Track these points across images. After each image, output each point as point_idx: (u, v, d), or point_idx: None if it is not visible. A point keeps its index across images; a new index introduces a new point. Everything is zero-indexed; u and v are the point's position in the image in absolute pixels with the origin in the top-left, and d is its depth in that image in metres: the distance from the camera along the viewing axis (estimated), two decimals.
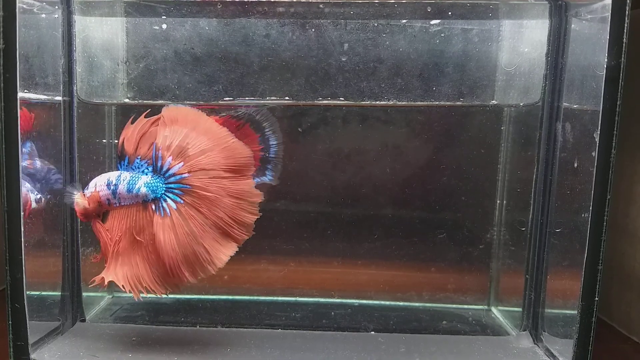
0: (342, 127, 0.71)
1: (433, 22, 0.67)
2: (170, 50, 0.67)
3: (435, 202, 0.72)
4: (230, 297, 0.74)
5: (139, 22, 0.67)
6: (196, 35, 0.67)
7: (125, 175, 0.54)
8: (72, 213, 0.63)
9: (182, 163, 0.52)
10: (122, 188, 0.54)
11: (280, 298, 0.74)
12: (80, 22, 0.63)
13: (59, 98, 0.61)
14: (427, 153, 0.72)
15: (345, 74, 0.67)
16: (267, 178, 0.59)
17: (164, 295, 0.55)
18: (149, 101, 0.68)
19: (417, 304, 0.74)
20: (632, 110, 0.69)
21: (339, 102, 0.68)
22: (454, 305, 0.74)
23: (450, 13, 0.65)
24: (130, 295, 0.73)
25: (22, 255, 0.54)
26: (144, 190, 0.53)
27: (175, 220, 0.52)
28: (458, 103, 0.69)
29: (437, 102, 0.69)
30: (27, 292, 0.54)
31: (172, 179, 0.52)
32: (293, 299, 0.74)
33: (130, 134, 0.54)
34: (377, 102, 0.68)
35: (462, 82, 0.68)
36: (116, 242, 0.54)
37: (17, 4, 0.51)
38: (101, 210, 0.56)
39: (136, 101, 0.69)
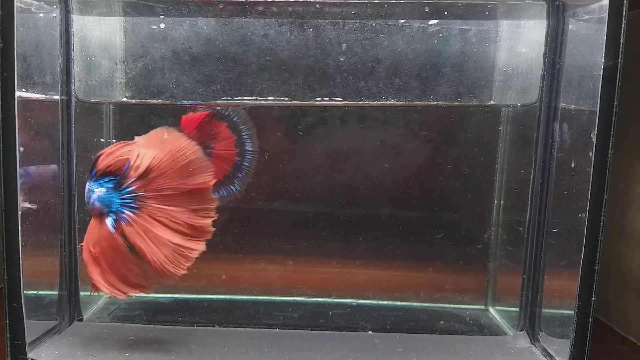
0: (339, 127, 0.71)
1: (431, 22, 0.67)
2: (169, 49, 0.67)
3: (433, 202, 0.72)
4: (228, 296, 0.74)
5: (137, 22, 0.67)
6: (194, 34, 0.67)
7: (86, 188, 0.56)
8: (69, 212, 0.63)
9: (140, 184, 0.55)
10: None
11: (278, 298, 0.74)
12: (78, 22, 0.63)
13: (57, 97, 0.61)
14: (425, 153, 0.72)
15: (343, 73, 0.67)
16: (235, 188, 0.63)
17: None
18: (147, 100, 0.68)
19: (414, 304, 0.74)
20: (630, 110, 0.69)
21: (336, 102, 0.68)
22: (452, 305, 0.74)
23: (448, 13, 0.65)
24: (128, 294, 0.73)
25: (19, 255, 0.54)
26: (97, 204, 0.55)
27: (140, 227, 0.54)
28: (456, 103, 0.69)
29: (435, 102, 0.69)
30: (25, 291, 0.54)
31: (127, 195, 0.55)
32: (291, 298, 0.74)
33: (111, 151, 0.56)
34: (375, 102, 0.68)
35: (460, 82, 0.68)
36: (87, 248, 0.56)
37: (15, 3, 0.52)
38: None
39: (134, 100, 0.69)
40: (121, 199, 0.55)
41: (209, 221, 0.57)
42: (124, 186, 0.55)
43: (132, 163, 0.54)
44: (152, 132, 0.57)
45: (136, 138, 0.57)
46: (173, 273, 0.55)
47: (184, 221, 0.55)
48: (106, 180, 0.55)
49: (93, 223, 0.56)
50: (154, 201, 0.55)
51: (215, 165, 0.59)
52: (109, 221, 0.55)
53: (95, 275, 0.55)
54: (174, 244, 0.55)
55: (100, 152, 0.56)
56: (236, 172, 0.64)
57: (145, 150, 0.55)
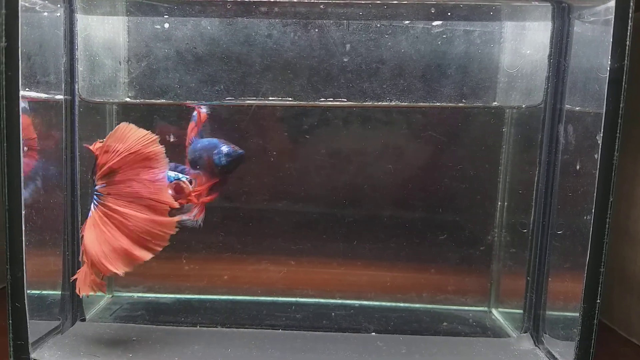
0: (343, 127, 0.71)
1: (435, 23, 0.67)
2: (172, 49, 0.67)
3: (437, 203, 0.72)
4: (230, 297, 0.74)
5: (141, 21, 0.67)
6: (198, 34, 0.67)
7: None
8: (72, 212, 0.63)
9: (105, 185, 0.55)
10: None
11: (280, 298, 0.74)
12: (82, 21, 0.63)
13: (61, 97, 0.61)
14: (429, 154, 0.72)
15: (347, 74, 0.67)
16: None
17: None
18: (150, 100, 0.68)
19: (417, 306, 0.74)
20: (635, 112, 0.69)
21: (341, 103, 0.68)
22: (455, 307, 0.74)
23: (452, 14, 0.65)
24: (131, 294, 0.73)
25: (23, 254, 0.54)
26: None
27: (92, 220, 0.56)
28: (460, 104, 0.69)
29: (439, 104, 0.69)
30: (28, 291, 0.54)
31: (95, 191, 0.56)
32: (294, 299, 0.73)
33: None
34: (379, 103, 0.68)
35: (464, 84, 0.68)
36: None
37: (20, 3, 0.51)
38: None
39: (137, 100, 0.69)
40: (93, 194, 0.56)
41: (161, 244, 0.56)
42: (95, 182, 0.56)
43: (98, 161, 0.55)
44: (134, 132, 0.56)
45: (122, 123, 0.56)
46: (107, 269, 0.55)
47: (138, 227, 0.55)
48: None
49: None
50: (112, 201, 0.55)
51: None
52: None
53: None
54: (118, 245, 0.55)
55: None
56: None
57: (114, 148, 0.55)
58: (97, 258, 0.54)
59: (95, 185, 0.56)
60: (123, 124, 0.56)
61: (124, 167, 0.55)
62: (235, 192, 0.72)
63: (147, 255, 0.55)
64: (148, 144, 0.55)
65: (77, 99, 0.63)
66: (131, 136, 0.55)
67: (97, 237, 0.55)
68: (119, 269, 0.55)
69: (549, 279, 0.62)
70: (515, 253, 0.69)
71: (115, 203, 0.55)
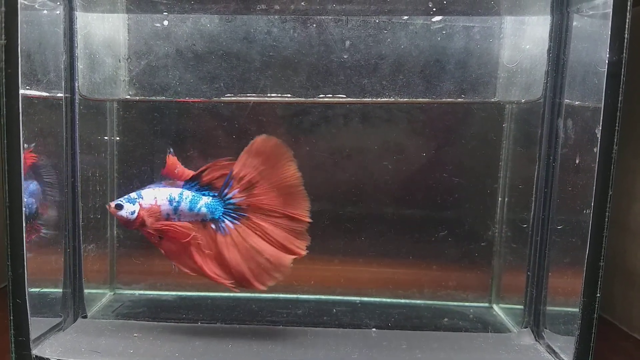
0: (343, 124, 0.71)
1: (435, 19, 0.67)
2: (172, 47, 0.67)
3: (437, 199, 0.72)
4: (231, 294, 0.74)
5: (141, 19, 0.68)
6: (197, 32, 0.67)
7: (187, 193, 0.58)
8: (73, 210, 0.63)
9: (244, 198, 0.57)
10: (184, 206, 0.57)
11: (281, 295, 0.74)
12: (82, 19, 0.63)
13: (61, 94, 0.61)
14: (429, 150, 0.72)
15: (346, 70, 0.67)
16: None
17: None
18: (150, 98, 0.68)
19: (418, 302, 0.74)
20: (637, 106, 0.69)
21: (340, 99, 0.68)
22: (456, 303, 0.74)
23: (451, 10, 0.65)
24: (132, 292, 0.74)
25: (23, 252, 0.54)
26: (203, 210, 0.57)
27: (235, 238, 0.57)
28: (460, 100, 0.69)
29: (439, 99, 0.69)
30: (29, 289, 0.55)
31: (230, 206, 0.57)
32: (294, 295, 0.74)
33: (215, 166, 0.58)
34: (379, 99, 0.68)
35: (463, 79, 0.68)
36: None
37: (19, 1, 0.52)
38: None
39: (137, 98, 0.69)
40: (224, 207, 0.57)
41: (303, 246, 0.58)
42: (228, 196, 0.57)
43: (234, 173, 0.56)
44: (265, 140, 0.57)
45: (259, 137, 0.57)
46: (254, 286, 0.57)
47: (277, 241, 0.57)
48: (206, 187, 0.58)
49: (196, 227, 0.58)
50: (253, 214, 0.57)
51: None
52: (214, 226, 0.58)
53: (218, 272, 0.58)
54: (260, 260, 0.57)
55: (205, 167, 0.58)
56: None
57: (251, 162, 0.57)
58: (246, 277, 0.56)
59: (229, 200, 0.57)
60: (259, 138, 0.57)
61: (261, 180, 0.56)
62: None
63: (290, 260, 0.57)
64: (283, 154, 0.57)
65: (77, 97, 0.63)
66: (266, 149, 0.57)
67: (243, 255, 0.56)
68: (269, 282, 0.57)
69: (549, 274, 0.61)
70: (516, 248, 0.69)
71: (256, 216, 0.57)
